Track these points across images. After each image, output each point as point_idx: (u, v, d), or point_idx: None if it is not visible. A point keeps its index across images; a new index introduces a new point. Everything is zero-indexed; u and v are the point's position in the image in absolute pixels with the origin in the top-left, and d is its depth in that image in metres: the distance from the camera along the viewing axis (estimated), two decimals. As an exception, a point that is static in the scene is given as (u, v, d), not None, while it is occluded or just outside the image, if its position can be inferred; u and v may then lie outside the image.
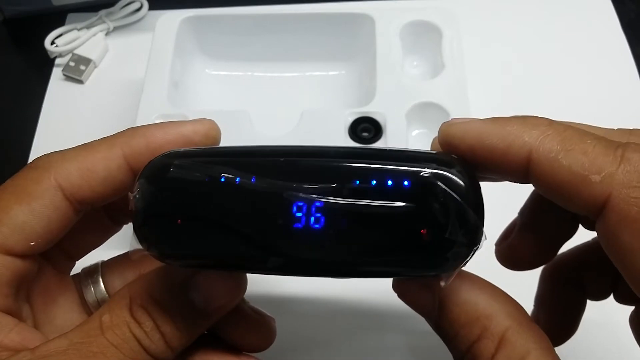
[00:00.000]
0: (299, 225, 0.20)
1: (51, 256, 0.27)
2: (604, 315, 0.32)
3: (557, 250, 0.26)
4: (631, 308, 0.26)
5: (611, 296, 0.28)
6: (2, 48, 0.53)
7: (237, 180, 0.20)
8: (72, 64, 0.49)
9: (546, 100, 0.46)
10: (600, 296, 0.28)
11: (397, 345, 0.36)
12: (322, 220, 0.20)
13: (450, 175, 0.20)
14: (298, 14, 0.47)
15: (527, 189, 0.24)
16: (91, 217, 0.27)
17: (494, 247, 0.27)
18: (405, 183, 0.20)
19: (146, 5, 0.53)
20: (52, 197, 0.24)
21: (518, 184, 0.22)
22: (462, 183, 0.20)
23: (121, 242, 0.32)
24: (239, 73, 0.49)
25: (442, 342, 0.23)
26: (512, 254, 0.26)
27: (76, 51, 0.50)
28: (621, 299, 0.27)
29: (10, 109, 0.49)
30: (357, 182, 0.20)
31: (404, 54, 0.44)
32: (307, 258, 0.20)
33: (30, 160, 0.45)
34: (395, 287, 0.23)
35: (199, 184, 0.20)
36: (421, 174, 0.20)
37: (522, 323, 0.21)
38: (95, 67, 0.50)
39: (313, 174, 0.20)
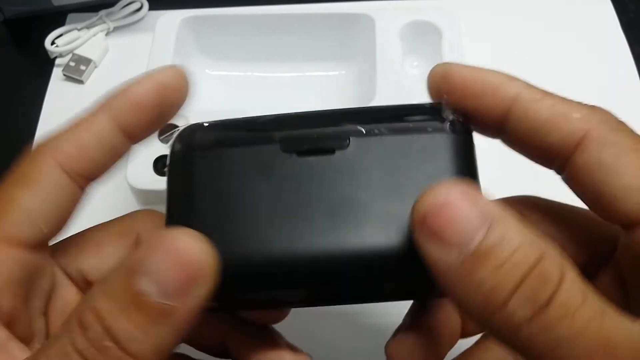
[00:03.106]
0: None
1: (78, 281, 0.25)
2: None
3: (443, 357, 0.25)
4: None
5: None
6: (2, 48, 0.53)
7: None
8: (72, 64, 0.49)
9: (546, 100, 0.46)
10: None
11: None
12: None
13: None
14: (298, 14, 0.47)
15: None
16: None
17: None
18: None
19: (146, 5, 0.52)
20: (55, 176, 0.22)
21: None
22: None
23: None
24: (239, 73, 0.49)
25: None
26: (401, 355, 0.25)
27: (76, 51, 0.50)
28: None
29: (10, 109, 0.49)
30: None
31: (404, 54, 0.44)
32: None
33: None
34: None
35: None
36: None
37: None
38: (96, 67, 0.50)
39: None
